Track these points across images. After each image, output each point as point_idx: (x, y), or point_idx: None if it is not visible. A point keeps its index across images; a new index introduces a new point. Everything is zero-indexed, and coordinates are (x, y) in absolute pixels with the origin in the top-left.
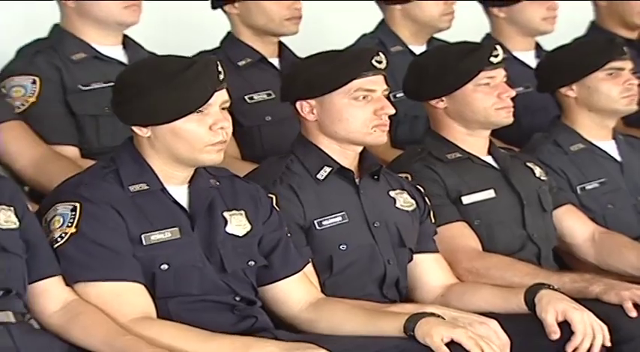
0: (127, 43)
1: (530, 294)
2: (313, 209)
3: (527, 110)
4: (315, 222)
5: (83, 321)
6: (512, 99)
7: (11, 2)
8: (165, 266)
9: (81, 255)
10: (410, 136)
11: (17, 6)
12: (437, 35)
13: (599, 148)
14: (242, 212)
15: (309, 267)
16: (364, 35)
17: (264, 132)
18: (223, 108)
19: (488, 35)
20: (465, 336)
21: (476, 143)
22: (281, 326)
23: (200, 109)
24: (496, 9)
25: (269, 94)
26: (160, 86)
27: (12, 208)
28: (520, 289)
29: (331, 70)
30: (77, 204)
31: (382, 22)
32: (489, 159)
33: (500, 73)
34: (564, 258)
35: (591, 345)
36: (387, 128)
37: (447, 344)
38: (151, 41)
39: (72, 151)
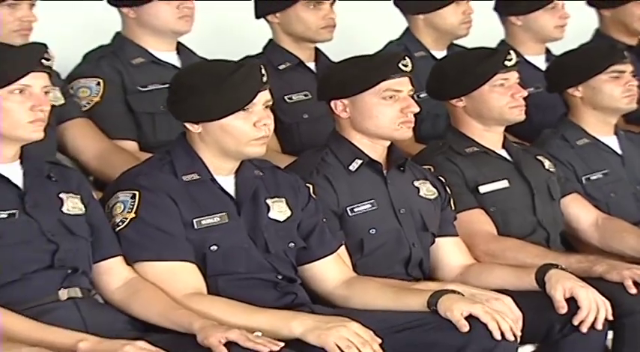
0: (181, 48)
1: (541, 273)
2: (346, 197)
3: (538, 108)
4: (348, 208)
5: (142, 297)
6: (525, 98)
7: (75, 13)
8: (214, 248)
9: (140, 237)
10: (432, 132)
11: (79, 17)
12: (456, 41)
13: (602, 143)
14: (283, 199)
15: (343, 249)
16: (391, 42)
17: (301, 129)
18: (266, 107)
19: (502, 41)
20: (482, 311)
21: (492, 138)
22: (318, 301)
23: (246, 108)
24: (514, 17)
25: (306, 95)
26: (211, 87)
27: (79, 196)
28: (531, 269)
29: (362, 73)
30: (136, 192)
31: (407, 30)
32: (504, 153)
33: (513, 75)
34: (571, 241)
35: (595, 319)
36: (412, 124)
37: (466, 318)
38: (202, 47)
39: (131, 145)
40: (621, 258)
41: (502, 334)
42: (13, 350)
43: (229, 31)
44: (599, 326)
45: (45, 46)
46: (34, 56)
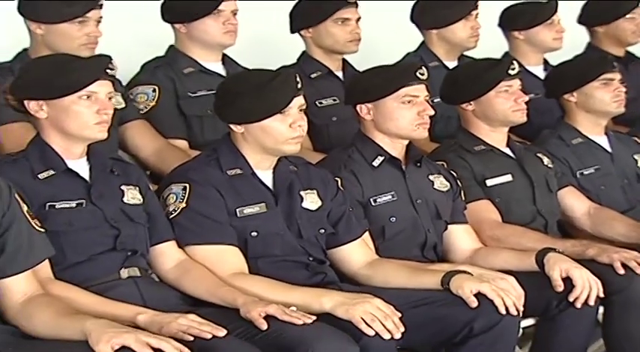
0: (226, 59)
1: (540, 256)
2: (370, 189)
3: (537, 112)
4: (371, 199)
5: (192, 276)
6: (526, 103)
7: (134, 28)
8: (254, 234)
9: (190, 224)
10: (445, 132)
11: (139, 32)
12: (466, 53)
13: (594, 142)
14: (315, 191)
15: (367, 235)
16: (408, 53)
17: (331, 130)
18: (301, 110)
19: (506, 53)
20: (489, 289)
21: (497, 138)
22: (344, 280)
23: (283, 111)
24: (516, 32)
25: (334, 100)
26: (252, 93)
27: (137, 188)
28: (532, 252)
29: (384, 81)
30: (187, 185)
31: (422, 43)
32: (508, 151)
33: (516, 83)
34: (566, 228)
35: (588, 296)
36: (428, 126)
37: (475, 295)
38: (244, 58)
39: (183, 144)
40: (611, 242)
41: (506, 309)
42: (81, 321)
43: (268, 44)
44: (592, 302)
45: (109, 57)
46: (100, 66)
